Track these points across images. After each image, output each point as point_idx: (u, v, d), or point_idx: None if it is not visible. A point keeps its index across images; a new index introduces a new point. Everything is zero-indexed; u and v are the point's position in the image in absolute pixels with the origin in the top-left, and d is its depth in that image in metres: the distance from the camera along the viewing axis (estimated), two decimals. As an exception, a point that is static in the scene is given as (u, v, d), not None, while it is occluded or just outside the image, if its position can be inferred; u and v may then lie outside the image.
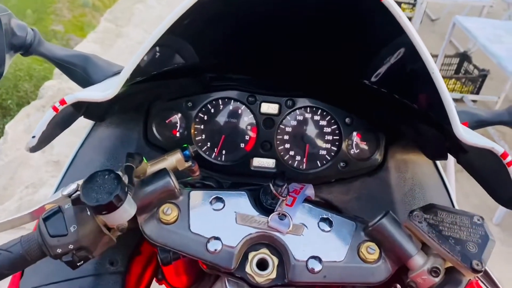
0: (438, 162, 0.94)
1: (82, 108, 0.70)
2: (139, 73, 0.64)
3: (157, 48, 0.66)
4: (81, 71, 0.81)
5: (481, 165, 0.69)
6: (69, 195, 0.66)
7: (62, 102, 0.58)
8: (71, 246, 0.61)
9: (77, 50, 0.85)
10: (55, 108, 0.59)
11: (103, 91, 0.60)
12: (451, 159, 1.38)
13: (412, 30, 0.56)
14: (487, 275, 0.72)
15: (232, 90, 0.92)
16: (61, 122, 0.66)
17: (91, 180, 0.59)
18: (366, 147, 0.94)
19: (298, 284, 0.69)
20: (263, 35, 0.77)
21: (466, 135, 0.58)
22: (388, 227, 0.67)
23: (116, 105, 0.79)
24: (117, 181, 0.59)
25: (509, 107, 0.87)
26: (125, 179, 0.64)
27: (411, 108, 0.74)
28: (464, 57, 4.16)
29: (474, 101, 4.01)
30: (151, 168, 0.74)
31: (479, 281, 0.69)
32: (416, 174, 0.92)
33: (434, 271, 0.63)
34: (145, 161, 0.72)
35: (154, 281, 1.08)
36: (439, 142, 0.75)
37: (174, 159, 0.76)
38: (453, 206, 0.91)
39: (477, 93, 3.99)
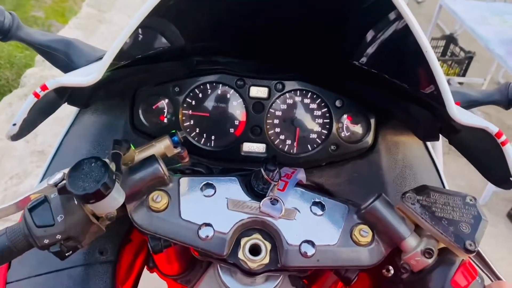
0: (428, 144, 0.94)
1: (65, 94, 0.67)
2: (123, 56, 0.62)
3: (141, 31, 0.64)
4: (63, 56, 0.78)
5: (473, 145, 0.69)
6: (55, 184, 0.64)
7: (43, 87, 0.56)
8: (58, 237, 0.59)
9: (59, 35, 0.82)
10: (36, 94, 0.56)
11: (86, 76, 0.57)
12: (439, 141, 1.38)
13: (404, 7, 0.54)
14: (479, 256, 0.72)
15: (220, 74, 0.90)
16: (43, 109, 0.63)
17: (77, 168, 0.57)
18: (356, 130, 0.94)
19: (291, 269, 0.68)
20: (249, 16, 0.75)
21: (460, 115, 0.57)
22: (380, 210, 0.66)
23: (100, 91, 0.77)
24: (104, 169, 0.57)
25: (500, 86, 0.87)
26: (113, 166, 0.62)
27: (401, 89, 0.73)
28: (450, 39, 4.17)
29: (460, 83, 4.04)
30: (139, 155, 0.72)
31: (472, 261, 0.69)
32: (407, 155, 0.92)
33: (427, 252, 0.63)
34: (133, 148, 0.70)
35: (145, 269, 1.07)
36: (430, 123, 0.75)
37: (162, 146, 0.75)
38: (444, 187, 0.91)
39: (463, 75, 4.01)
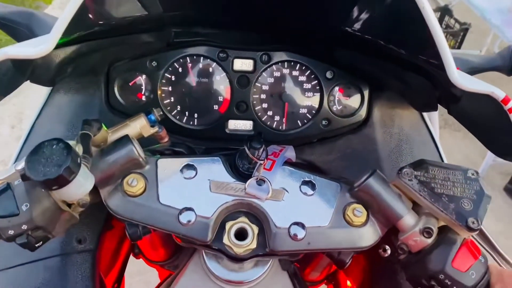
0: (425, 115, 0.89)
1: (26, 70, 0.61)
2: (83, 24, 0.55)
3: None
4: (26, 30, 0.71)
5: (476, 114, 0.64)
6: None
7: None
8: (24, 227, 0.54)
9: (20, 7, 0.75)
10: None
11: (35, 47, 0.50)
12: (435, 113, 1.33)
13: None
14: (482, 234, 0.68)
15: (200, 46, 0.83)
16: (1, 87, 0.57)
17: (37, 152, 0.52)
18: (349, 103, 0.88)
19: (281, 253, 0.64)
20: None
21: (463, 80, 0.52)
22: (375, 187, 0.61)
23: (68, 67, 0.71)
24: (66, 152, 0.51)
25: (502, 51, 0.81)
26: (79, 148, 0.57)
27: (397, 55, 0.67)
28: (445, 11, 4.09)
29: (455, 56, 3.97)
30: (112, 135, 0.66)
31: (474, 240, 0.64)
32: (403, 128, 0.87)
33: (426, 232, 0.59)
34: (105, 128, 0.65)
35: (132, 256, 1.03)
36: (428, 91, 0.69)
37: (138, 125, 0.69)
38: (442, 160, 0.86)
39: (459, 47, 3.95)
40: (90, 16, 0.56)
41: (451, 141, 2.89)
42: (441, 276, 0.56)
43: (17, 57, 0.50)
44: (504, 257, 0.67)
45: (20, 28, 0.71)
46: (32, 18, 0.72)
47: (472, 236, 0.61)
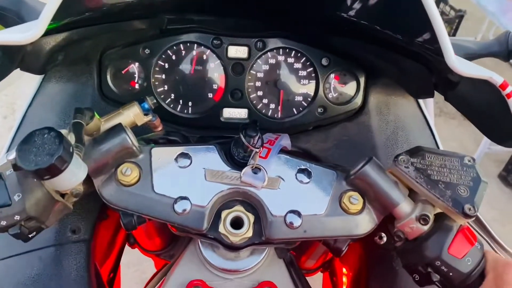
0: (421, 102, 0.88)
1: (16, 58, 0.59)
2: (75, 9, 0.53)
3: None
4: (14, 16, 0.69)
5: (473, 100, 0.63)
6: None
7: None
8: (17, 217, 0.54)
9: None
10: None
11: (23, 32, 0.49)
12: (430, 101, 1.32)
13: None
14: (478, 220, 0.68)
15: (194, 33, 0.82)
16: None
17: (28, 141, 0.50)
18: (345, 90, 0.87)
19: (277, 241, 0.64)
20: None
21: (460, 65, 0.51)
22: (371, 174, 0.61)
23: (59, 55, 0.69)
24: (58, 140, 0.50)
25: (498, 36, 0.80)
26: (71, 137, 0.56)
27: (394, 41, 0.66)
28: (440, -2, 4.07)
29: (451, 43, 3.96)
30: (105, 124, 0.65)
31: (470, 227, 0.64)
32: (399, 115, 0.86)
33: (422, 219, 0.59)
34: (97, 116, 0.63)
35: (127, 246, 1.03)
36: (425, 78, 0.69)
37: (131, 113, 0.68)
38: (438, 147, 0.86)
39: (454, 34, 3.93)
40: (80, 1, 0.54)
41: (446, 128, 2.90)
42: (438, 263, 0.56)
43: (4, 44, 0.48)
44: (500, 243, 0.67)
45: (8, 15, 0.69)
46: (21, 4, 0.70)
47: (468, 222, 0.61)
